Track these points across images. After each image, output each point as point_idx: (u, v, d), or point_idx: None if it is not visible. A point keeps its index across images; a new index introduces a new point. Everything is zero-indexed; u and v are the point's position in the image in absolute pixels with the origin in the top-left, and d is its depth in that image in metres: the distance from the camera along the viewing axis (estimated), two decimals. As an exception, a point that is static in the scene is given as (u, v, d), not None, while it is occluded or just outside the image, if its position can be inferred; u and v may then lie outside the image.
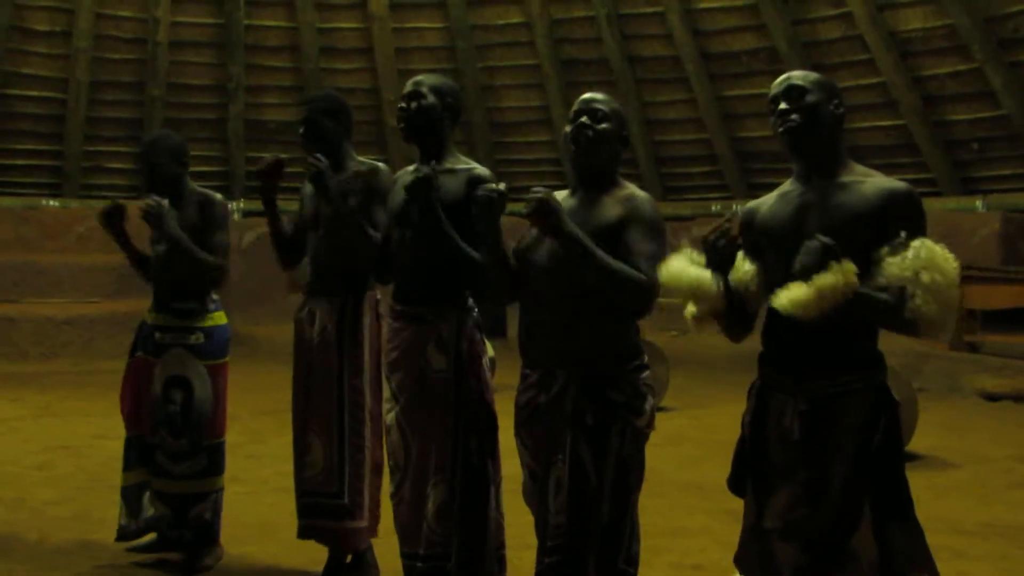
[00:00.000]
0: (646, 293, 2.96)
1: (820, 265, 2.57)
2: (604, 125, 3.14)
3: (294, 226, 4.51)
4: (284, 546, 4.66)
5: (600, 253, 2.93)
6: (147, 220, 4.44)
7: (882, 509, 2.67)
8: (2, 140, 13.50)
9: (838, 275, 2.54)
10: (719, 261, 2.90)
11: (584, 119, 3.14)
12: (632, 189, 3.15)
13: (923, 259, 2.57)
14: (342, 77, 14.14)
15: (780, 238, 2.85)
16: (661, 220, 3.10)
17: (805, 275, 2.59)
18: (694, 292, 2.92)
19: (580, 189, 3.20)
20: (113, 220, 4.60)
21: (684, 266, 2.94)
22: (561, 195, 3.24)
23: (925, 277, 2.55)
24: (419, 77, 3.82)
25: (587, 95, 3.22)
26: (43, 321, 11.40)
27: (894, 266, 2.60)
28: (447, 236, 3.52)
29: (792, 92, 2.83)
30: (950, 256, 2.62)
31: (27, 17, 13.22)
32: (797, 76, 2.88)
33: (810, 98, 2.82)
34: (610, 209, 3.07)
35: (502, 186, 3.16)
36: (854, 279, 2.55)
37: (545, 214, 2.92)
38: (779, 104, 2.84)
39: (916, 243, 2.60)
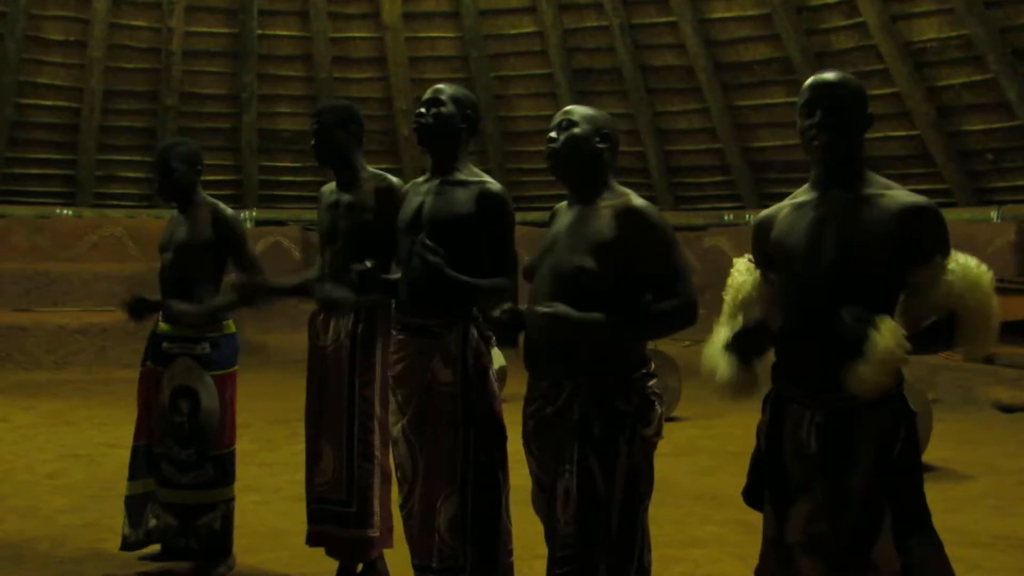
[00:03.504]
0: (692, 313, 3.02)
1: (861, 337, 2.58)
2: (574, 131, 3.12)
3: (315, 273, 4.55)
4: (296, 554, 4.66)
5: (645, 323, 3.01)
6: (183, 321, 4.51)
7: (902, 520, 2.64)
8: (16, 149, 13.56)
9: (888, 339, 2.56)
10: (747, 355, 2.90)
11: (551, 134, 3.15)
12: (626, 197, 3.09)
13: (965, 280, 2.65)
14: (355, 87, 14.17)
15: (795, 253, 2.81)
16: (665, 224, 3.06)
17: (854, 346, 2.59)
18: (735, 388, 2.93)
19: (574, 201, 3.18)
20: (141, 313, 4.62)
21: (717, 356, 2.94)
22: (562, 205, 3.25)
23: (970, 300, 2.64)
24: (439, 85, 3.79)
25: (563, 109, 3.23)
26: (56, 330, 11.43)
27: (937, 292, 2.66)
28: (458, 282, 3.53)
29: (834, 102, 2.76)
30: (983, 268, 2.68)
31: (42, 27, 13.29)
32: (834, 79, 2.81)
33: (846, 111, 2.76)
34: (606, 223, 3.03)
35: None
36: (901, 334, 2.57)
37: (551, 327, 2.96)
38: (816, 111, 2.77)
39: (952, 265, 2.65)
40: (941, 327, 2.70)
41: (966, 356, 2.78)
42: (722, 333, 2.94)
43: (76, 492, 5.97)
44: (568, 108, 3.21)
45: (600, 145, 3.13)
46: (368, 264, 3.82)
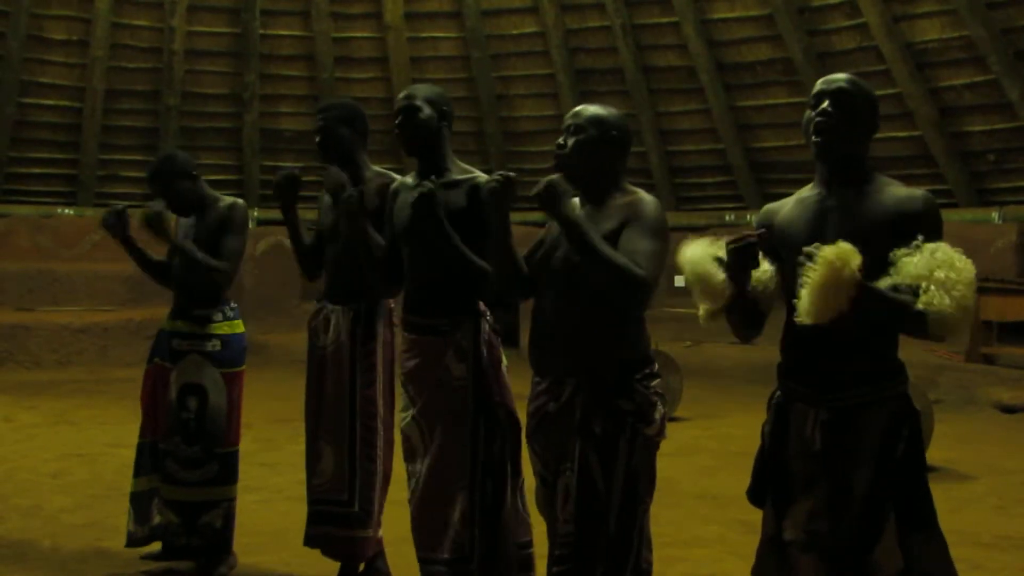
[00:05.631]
0: (640, 286, 2.89)
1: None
2: (580, 136, 3.09)
3: (314, 236, 4.50)
4: (297, 554, 4.65)
5: (599, 242, 2.90)
6: (147, 228, 4.47)
7: (905, 519, 2.65)
8: (18, 148, 13.58)
9: (831, 261, 2.48)
10: (737, 269, 2.83)
11: (560, 140, 3.14)
12: (638, 194, 3.09)
13: (938, 259, 2.55)
14: (357, 86, 14.19)
15: (798, 244, 2.82)
16: (663, 221, 3.04)
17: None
18: (703, 285, 2.91)
19: (585, 202, 3.17)
20: (115, 227, 4.58)
21: (701, 256, 2.91)
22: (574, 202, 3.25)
23: (939, 274, 2.52)
24: (409, 90, 3.77)
25: (573, 109, 3.21)
26: (58, 329, 11.44)
27: (909, 265, 2.57)
28: (456, 249, 3.52)
29: (840, 96, 2.77)
30: (966, 259, 2.58)
31: (44, 26, 13.31)
32: (847, 81, 2.82)
33: (855, 108, 2.77)
34: (612, 217, 3.04)
35: (508, 174, 3.13)
36: (851, 260, 2.47)
37: (550, 197, 2.91)
38: (822, 103, 2.78)
39: (932, 245, 2.58)
40: (902, 295, 2.56)
41: (932, 335, 2.61)
42: (702, 244, 2.92)
43: (78, 491, 5.97)
44: (577, 110, 3.18)
45: (608, 150, 3.12)
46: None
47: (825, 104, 2.78)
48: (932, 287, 2.51)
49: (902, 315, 2.55)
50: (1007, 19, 11.11)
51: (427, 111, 3.69)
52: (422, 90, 3.76)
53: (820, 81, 2.86)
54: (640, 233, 2.98)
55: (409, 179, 3.85)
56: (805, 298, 2.55)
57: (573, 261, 3.03)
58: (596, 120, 3.12)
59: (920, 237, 2.60)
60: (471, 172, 3.71)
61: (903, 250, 2.59)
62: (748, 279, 2.86)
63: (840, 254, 2.49)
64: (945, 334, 2.55)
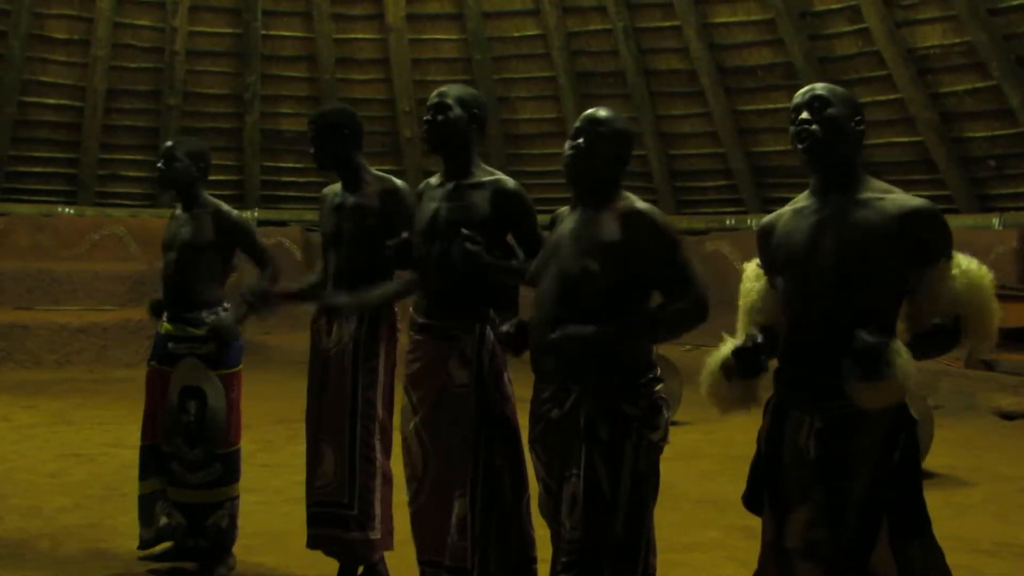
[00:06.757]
0: (704, 311, 3.02)
1: (878, 359, 2.55)
2: (601, 147, 3.10)
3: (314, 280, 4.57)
4: (297, 556, 4.65)
5: (662, 325, 3.02)
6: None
7: (900, 527, 2.64)
8: (19, 147, 13.57)
9: (907, 365, 2.55)
10: (743, 373, 2.88)
11: (568, 142, 3.14)
12: (631, 202, 3.08)
13: (968, 283, 2.67)
14: (358, 88, 14.19)
15: (795, 255, 2.82)
16: (670, 226, 3.07)
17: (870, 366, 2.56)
18: (711, 393, 3.02)
19: (579, 204, 3.18)
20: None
21: (710, 367, 3.00)
22: (563, 210, 3.25)
23: (974, 302, 2.67)
24: (443, 88, 3.77)
25: (584, 113, 3.21)
26: (57, 329, 11.43)
27: (942, 295, 2.68)
28: (499, 267, 3.54)
29: (815, 103, 2.81)
30: (984, 269, 2.72)
31: (46, 25, 13.30)
32: (821, 87, 2.86)
33: (832, 111, 2.80)
34: (610, 226, 3.03)
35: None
36: (912, 368, 2.56)
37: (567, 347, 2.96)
38: (800, 114, 2.82)
39: (955, 269, 2.68)
40: (946, 330, 2.72)
41: (971, 354, 2.81)
42: (727, 345, 2.94)
43: (77, 492, 5.97)
44: (592, 117, 3.15)
45: (618, 161, 3.15)
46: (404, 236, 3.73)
47: (804, 115, 2.81)
48: (970, 317, 2.70)
49: (951, 349, 2.80)
50: (1008, 25, 11.10)
51: (457, 111, 3.69)
52: (454, 90, 3.77)
53: (796, 95, 2.90)
54: (665, 255, 3.01)
55: (434, 180, 3.85)
56: (881, 400, 2.60)
57: (569, 268, 3.03)
58: (611, 133, 3.13)
59: (942, 260, 2.70)
60: (494, 174, 3.71)
61: (928, 274, 2.70)
62: (757, 378, 2.89)
63: (907, 367, 2.56)
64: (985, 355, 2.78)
